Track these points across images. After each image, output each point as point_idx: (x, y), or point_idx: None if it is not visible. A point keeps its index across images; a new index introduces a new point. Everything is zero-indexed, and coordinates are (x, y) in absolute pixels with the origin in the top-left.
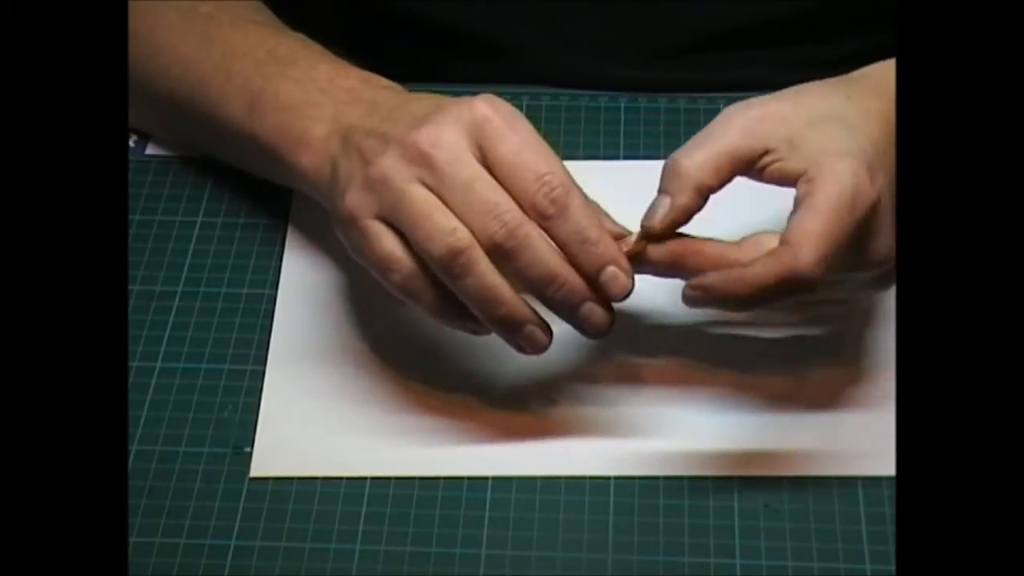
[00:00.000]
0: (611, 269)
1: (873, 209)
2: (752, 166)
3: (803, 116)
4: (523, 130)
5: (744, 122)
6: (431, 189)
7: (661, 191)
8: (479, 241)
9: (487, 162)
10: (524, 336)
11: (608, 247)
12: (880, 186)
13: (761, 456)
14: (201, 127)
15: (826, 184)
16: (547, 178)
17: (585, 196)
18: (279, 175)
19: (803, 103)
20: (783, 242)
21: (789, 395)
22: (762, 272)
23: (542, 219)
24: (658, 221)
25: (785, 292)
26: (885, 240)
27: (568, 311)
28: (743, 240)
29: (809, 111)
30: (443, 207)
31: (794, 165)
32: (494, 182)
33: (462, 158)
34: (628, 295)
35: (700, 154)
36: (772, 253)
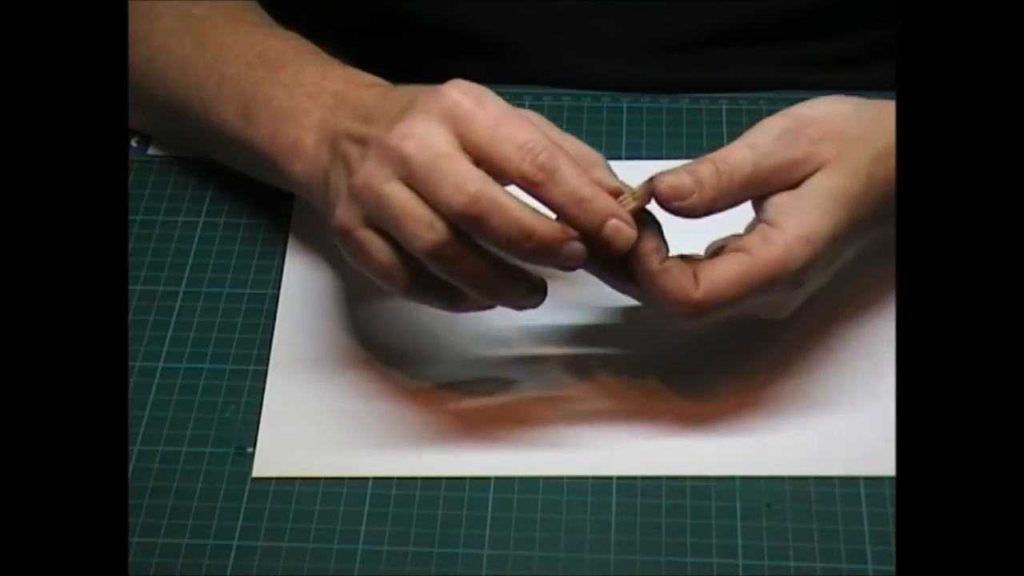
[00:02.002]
0: (613, 222)
1: (792, 289)
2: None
3: (834, 170)
4: (494, 105)
5: (790, 165)
6: (407, 183)
7: (694, 173)
8: (448, 216)
9: (466, 146)
10: (521, 303)
11: (605, 201)
12: (814, 274)
13: (763, 456)
14: (199, 131)
15: (770, 264)
16: (529, 145)
17: (570, 154)
18: (275, 180)
19: (850, 148)
20: (696, 273)
21: (790, 396)
22: (662, 284)
23: (532, 187)
24: (672, 200)
25: (664, 306)
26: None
27: (549, 259)
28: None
29: (847, 163)
30: (417, 199)
31: (770, 211)
32: (459, 156)
33: (431, 143)
34: (631, 245)
35: (738, 183)
36: (679, 279)
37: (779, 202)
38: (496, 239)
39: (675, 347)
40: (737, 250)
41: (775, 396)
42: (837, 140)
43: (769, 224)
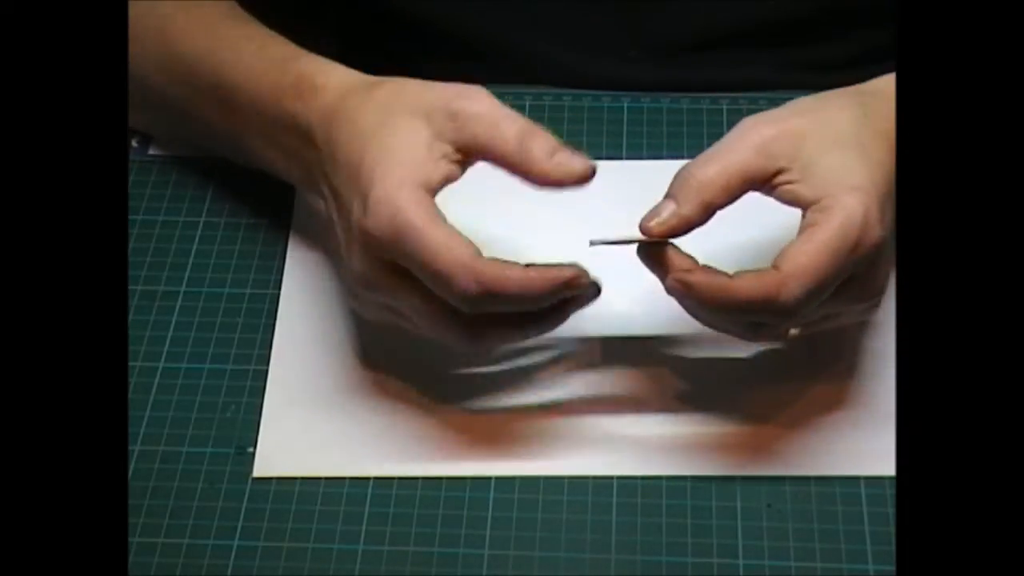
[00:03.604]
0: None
1: (877, 248)
2: (764, 184)
3: (820, 135)
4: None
5: (759, 140)
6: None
7: (668, 196)
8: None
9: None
10: (579, 300)
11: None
12: (888, 223)
13: (764, 456)
14: (185, 129)
15: (834, 220)
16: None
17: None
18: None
19: (821, 119)
20: (775, 265)
21: (791, 396)
22: (744, 289)
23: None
24: (656, 224)
25: (761, 313)
26: (884, 274)
27: (570, 294)
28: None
29: (827, 128)
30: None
31: (806, 192)
32: (437, 234)
33: (391, 290)
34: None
35: (712, 169)
36: (760, 274)
37: (805, 182)
38: (514, 306)
39: (678, 349)
40: (802, 229)
41: (776, 396)
42: (810, 113)
43: (814, 202)
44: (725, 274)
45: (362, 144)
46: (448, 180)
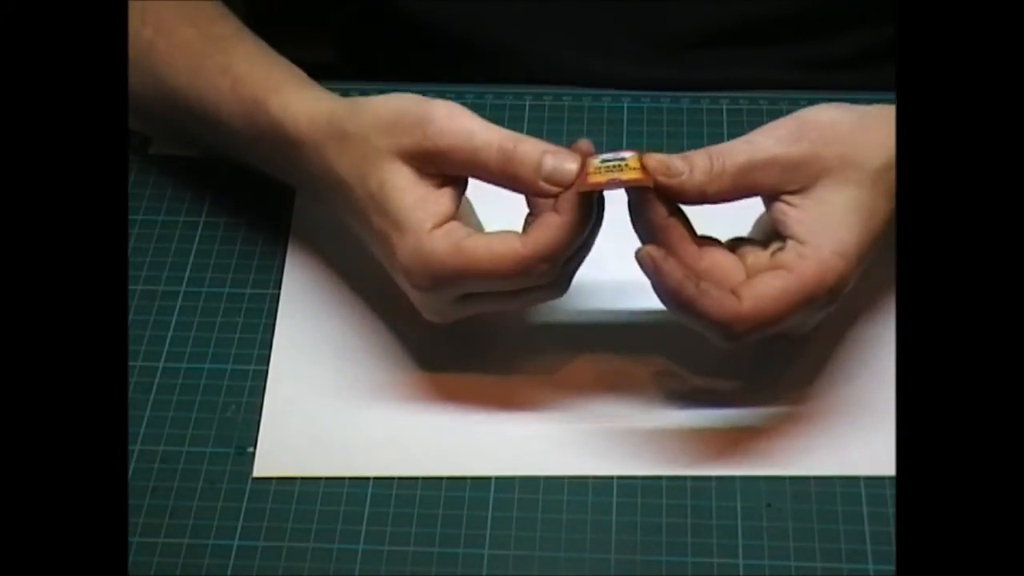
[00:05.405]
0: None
1: (837, 302)
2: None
3: (838, 180)
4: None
5: (787, 161)
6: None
7: (689, 158)
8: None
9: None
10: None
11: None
12: (848, 289)
13: (764, 456)
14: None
15: (808, 276)
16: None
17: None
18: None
19: (849, 162)
20: (736, 291)
21: (792, 395)
22: (704, 306)
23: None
24: (658, 166)
25: (708, 330)
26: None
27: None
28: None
29: (848, 174)
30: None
31: (796, 225)
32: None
33: (461, 308)
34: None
35: (732, 167)
36: (722, 298)
37: (802, 218)
38: (578, 244)
39: (680, 349)
40: (774, 267)
41: (775, 396)
42: (840, 147)
43: (799, 241)
44: (693, 280)
45: (361, 207)
46: (458, 197)
